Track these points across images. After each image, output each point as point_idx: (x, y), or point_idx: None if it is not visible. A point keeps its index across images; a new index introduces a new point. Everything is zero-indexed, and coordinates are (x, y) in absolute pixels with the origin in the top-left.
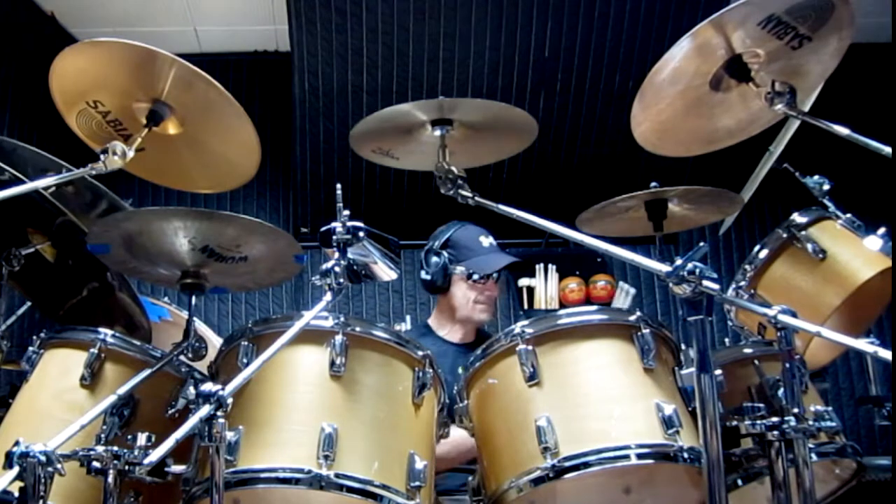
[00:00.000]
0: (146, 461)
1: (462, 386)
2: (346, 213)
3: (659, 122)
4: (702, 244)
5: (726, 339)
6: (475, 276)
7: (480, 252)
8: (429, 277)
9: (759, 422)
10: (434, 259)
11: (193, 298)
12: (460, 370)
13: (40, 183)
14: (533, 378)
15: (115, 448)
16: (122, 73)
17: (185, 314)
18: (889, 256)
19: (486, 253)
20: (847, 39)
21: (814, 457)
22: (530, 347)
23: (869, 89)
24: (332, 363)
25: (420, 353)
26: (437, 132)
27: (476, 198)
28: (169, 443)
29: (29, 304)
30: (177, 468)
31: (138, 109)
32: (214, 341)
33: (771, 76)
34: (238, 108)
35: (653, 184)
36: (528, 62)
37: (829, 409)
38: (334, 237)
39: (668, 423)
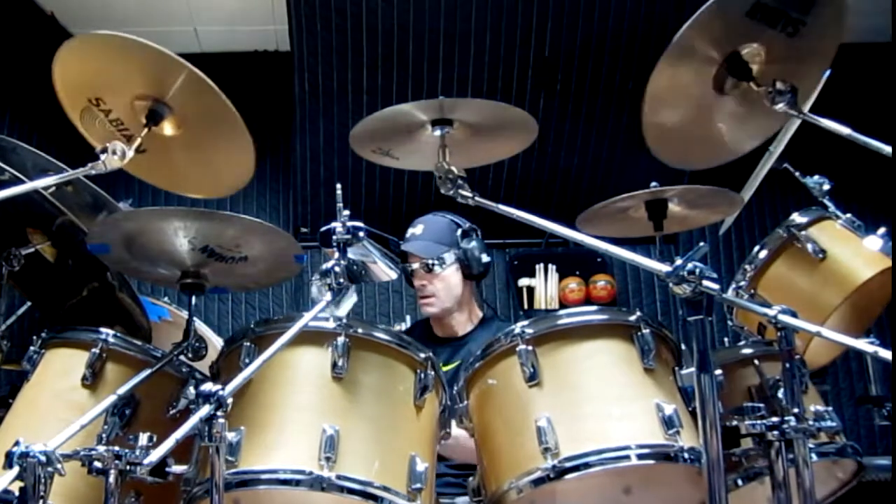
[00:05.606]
0: (147, 461)
1: (462, 386)
2: (346, 213)
3: (667, 130)
4: (702, 244)
5: (726, 339)
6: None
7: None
8: None
9: (759, 422)
10: None
11: (193, 298)
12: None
13: (40, 183)
14: (533, 378)
15: (116, 448)
16: (123, 69)
17: (185, 314)
18: (889, 256)
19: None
20: (844, 12)
21: (814, 457)
22: (530, 347)
23: (869, 89)
24: (334, 364)
25: (422, 354)
26: (437, 132)
27: (476, 198)
28: (169, 443)
29: (29, 304)
30: (177, 468)
31: (139, 108)
32: (214, 341)
33: (772, 71)
34: (235, 115)
35: (653, 184)
36: (528, 62)
37: (829, 409)
38: (334, 237)
39: (668, 423)
